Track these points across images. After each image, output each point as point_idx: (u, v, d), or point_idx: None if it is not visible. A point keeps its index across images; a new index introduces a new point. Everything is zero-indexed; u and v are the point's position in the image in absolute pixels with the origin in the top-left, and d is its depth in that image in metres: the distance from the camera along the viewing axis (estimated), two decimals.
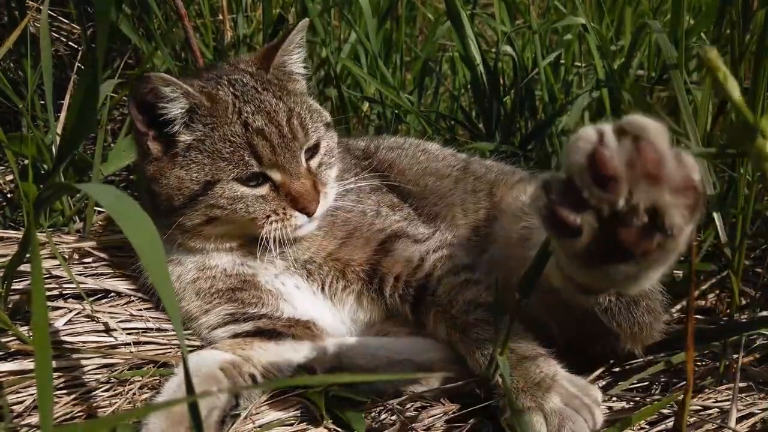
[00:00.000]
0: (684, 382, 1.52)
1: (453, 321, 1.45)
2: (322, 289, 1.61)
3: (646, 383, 1.50)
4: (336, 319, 1.62)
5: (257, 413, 1.41)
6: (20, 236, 1.74)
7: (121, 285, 1.70)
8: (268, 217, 1.48)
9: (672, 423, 1.34)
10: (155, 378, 1.47)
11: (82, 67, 2.41)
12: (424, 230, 1.67)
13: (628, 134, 0.79)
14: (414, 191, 1.83)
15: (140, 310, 1.64)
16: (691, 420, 1.34)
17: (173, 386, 1.35)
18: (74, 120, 1.32)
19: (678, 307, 1.70)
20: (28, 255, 1.37)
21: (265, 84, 1.55)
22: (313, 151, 1.56)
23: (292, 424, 1.39)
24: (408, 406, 1.44)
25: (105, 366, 1.49)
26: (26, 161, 1.84)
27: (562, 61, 2.69)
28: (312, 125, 1.55)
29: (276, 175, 1.48)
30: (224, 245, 1.57)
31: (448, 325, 1.46)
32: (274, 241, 1.48)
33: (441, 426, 1.39)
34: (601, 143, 0.78)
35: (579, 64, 2.69)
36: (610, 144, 0.78)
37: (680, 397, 1.33)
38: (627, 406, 1.42)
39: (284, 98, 1.54)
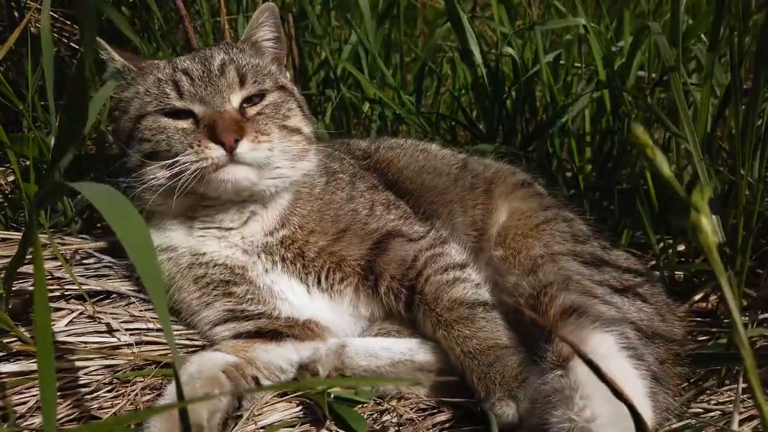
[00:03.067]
0: (686, 384, 1.52)
1: (437, 318, 1.48)
2: (318, 282, 1.62)
3: None
4: (336, 315, 1.63)
5: (260, 414, 1.41)
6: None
7: (123, 286, 1.70)
8: (185, 150, 1.48)
9: (674, 426, 1.34)
10: (157, 379, 1.47)
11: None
12: (419, 228, 1.68)
13: None
14: (412, 188, 1.84)
15: (142, 311, 1.64)
16: (693, 422, 1.34)
17: (175, 389, 1.36)
18: (66, 116, 1.29)
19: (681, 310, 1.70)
20: (29, 256, 1.36)
21: (223, 45, 1.69)
22: (254, 101, 1.59)
23: (294, 425, 1.39)
24: (410, 407, 1.44)
25: (107, 367, 1.49)
26: (28, 162, 1.84)
27: (562, 62, 2.70)
28: (255, 77, 1.59)
29: (197, 108, 1.52)
30: (180, 208, 1.57)
31: (433, 321, 1.49)
32: (193, 176, 1.45)
33: (442, 427, 1.40)
34: None
35: (579, 65, 2.70)
36: None
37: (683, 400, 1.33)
38: None
39: (232, 53, 1.62)
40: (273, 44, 1.74)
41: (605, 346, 1.27)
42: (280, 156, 1.56)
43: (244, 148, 1.47)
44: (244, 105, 1.56)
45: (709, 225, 0.71)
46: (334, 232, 1.62)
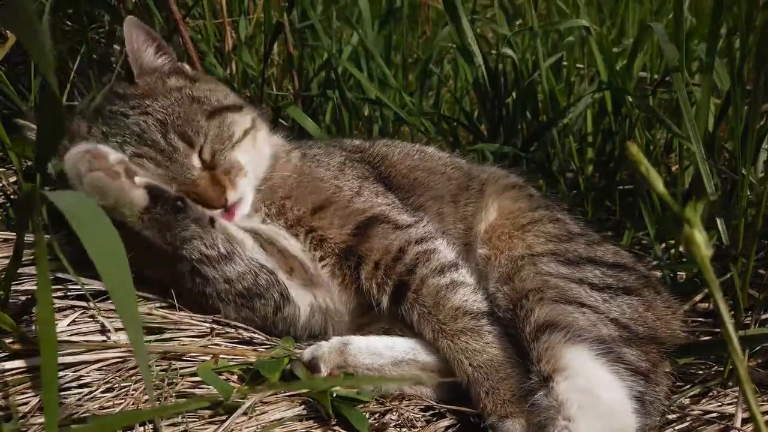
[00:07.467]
0: (689, 386, 1.53)
1: (440, 326, 1.46)
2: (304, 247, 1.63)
3: None
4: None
5: (261, 413, 1.41)
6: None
7: None
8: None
9: (677, 428, 1.34)
10: (159, 379, 1.47)
11: (84, 68, 2.41)
12: (407, 217, 1.65)
13: None
14: (404, 183, 1.84)
15: (144, 309, 1.64)
16: (696, 424, 1.34)
17: None
18: (44, 124, 1.26)
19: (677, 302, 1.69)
20: (31, 257, 1.36)
21: (133, 100, 1.55)
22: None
23: (295, 424, 1.38)
24: (412, 407, 1.44)
25: (109, 366, 1.48)
26: (30, 163, 1.84)
27: (564, 63, 2.70)
28: (192, 128, 1.54)
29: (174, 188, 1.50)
30: None
31: (435, 329, 1.46)
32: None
33: (444, 428, 1.40)
34: None
35: (581, 65, 2.70)
36: None
37: (685, 401, 1.33)
38: None
39: (152, 111, 1.53)
40: (163, 56, 1.66)
41: (579, 359, 1.28)
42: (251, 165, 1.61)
43: (234, 196, 1.56)
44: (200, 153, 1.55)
45: (702, 239, 0.71)
46: (312, 202, 1.61)
